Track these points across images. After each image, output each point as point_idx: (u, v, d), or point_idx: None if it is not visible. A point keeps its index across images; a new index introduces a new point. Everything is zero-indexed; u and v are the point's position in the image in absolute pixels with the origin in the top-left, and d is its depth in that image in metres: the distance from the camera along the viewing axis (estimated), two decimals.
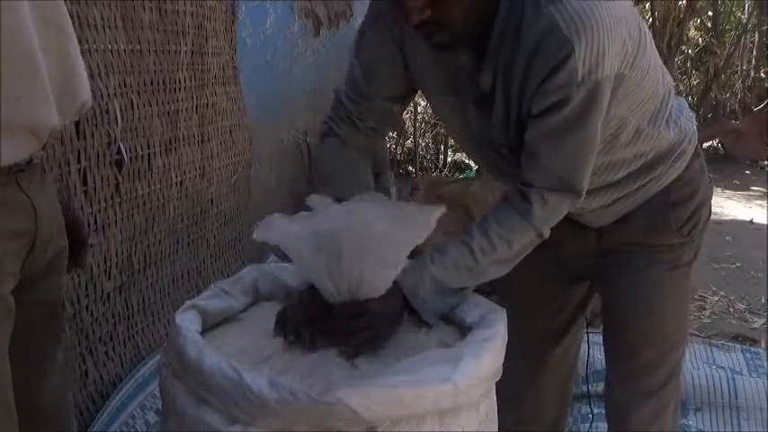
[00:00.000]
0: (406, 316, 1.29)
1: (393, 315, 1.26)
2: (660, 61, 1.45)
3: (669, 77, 1.50)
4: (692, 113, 1.60)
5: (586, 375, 1.89)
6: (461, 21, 1.22)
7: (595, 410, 2.01)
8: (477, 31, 1.26)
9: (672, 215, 1.53)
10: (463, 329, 1.25)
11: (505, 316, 1.26)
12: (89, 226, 2.09)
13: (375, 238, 1.19)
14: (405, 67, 1.44)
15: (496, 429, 1.25)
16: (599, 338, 2.36)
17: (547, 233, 1.37)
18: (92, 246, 1.98)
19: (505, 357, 1.69)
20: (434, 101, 1.52)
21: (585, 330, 1.85)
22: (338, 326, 1.21)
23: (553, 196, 1.33)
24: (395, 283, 1.25)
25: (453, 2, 1.19)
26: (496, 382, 1.79)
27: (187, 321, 1.17)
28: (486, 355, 1.12)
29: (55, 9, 1.11)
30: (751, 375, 2.75)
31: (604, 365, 1.75)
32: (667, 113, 1.47)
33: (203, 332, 1.21)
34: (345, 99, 1.50)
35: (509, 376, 1.77)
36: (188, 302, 1.25)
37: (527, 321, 1.71)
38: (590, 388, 2.02)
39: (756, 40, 8.42)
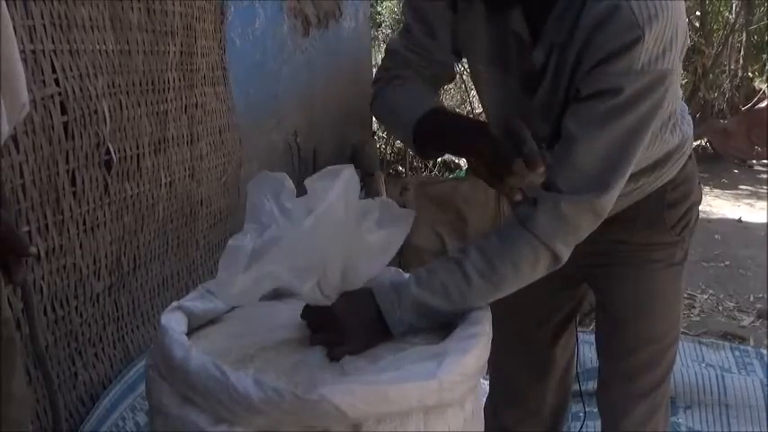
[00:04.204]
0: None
1: (364, 328, 1.21)
2: None
3: None
4: (690, 117, 1.58)
5: (577, 374, 1.89)
6: None
7: (587, 409, 2.01)
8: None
9: (666, 215, 1.53)
10: (448, 326, 1.25)
11: (490, 313, 1.26)
12: (78, 227, 2.09)
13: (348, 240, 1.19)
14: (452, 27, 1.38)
15: (482, 428, 1.25)
16: (588, 337, 2.38)
17: (562, 253, 1.24)
18: (38, 258, 1.93)
19: (507, 359, 1.71)
20: (477, 70, 1.44)
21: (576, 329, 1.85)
22: (308, 323, 1.24)
23: (570, 205, 1.21)
24: (371, 298, 1.23)
25: None
26: (498, 382, 1.82)
27: (173, 322, 1.17)
28: (472, 351, 1.12)
29: None
30: (740, 373, 2.76)
31: (595, 364, 1.76)
32: (675, 118, 1.45)
33: (189, 333, 1.21)
34: (405, 51, 1.40)
35: (512, 377, 1.79)
36: (174, 303, 1.25)
37: (523, 326, 1.72)
38: (581, 387, 2.02)
39: (744, 39, 8.46)
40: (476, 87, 1.51)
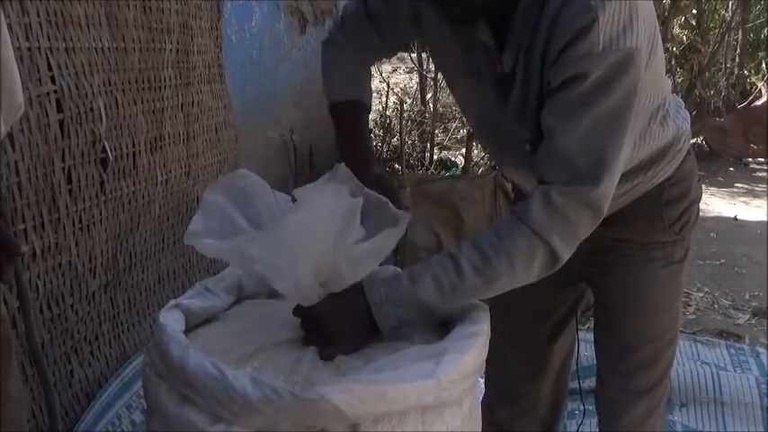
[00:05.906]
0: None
1: (352, 326, 1.20)
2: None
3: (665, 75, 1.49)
4: (687, 113, 1.58)
5: (576, 372, 1.89)
6: None
7: (585, 407, 2.01)
8: (496, 7, 1.21)
9: (664, 213, 1.53)
10: (446, 326, 1.25)
11: (488, 313, 1.26)
12: (73, 225, 2.09)
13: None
14: (414, 27, 1.42)
15: (480, 427, 1.25)
16: (586, 335, 2.38)
17: (560, 250, 1.21)
18: (34, 256, 1.93)
19: (505, 356, 1.71)
20: (450, 80, 1.46)
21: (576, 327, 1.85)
22: (301, 322, 1.23)
23: (561, 197, 1.19)
24: (361, 293, 1.21)
25: None
26: (495, 380, 1.82)
27: (170, 320, 1.17)
28: (470, 351, 1.12)
29: None
30: (735, 371, 2.77)
31: (592, 362, 1.75)
32: (665, 111, 1.45)
33: (187, 331, 1.20)
34: (359, 14, 1.48)
35: (509, 375, 1.79)
36: (171, 302, 1.24)
37: (522, 323, 1.72)
38: (580, 385, 2.03)
39: (740, 37, 8.47)
40: (452, 93, 1.53)
